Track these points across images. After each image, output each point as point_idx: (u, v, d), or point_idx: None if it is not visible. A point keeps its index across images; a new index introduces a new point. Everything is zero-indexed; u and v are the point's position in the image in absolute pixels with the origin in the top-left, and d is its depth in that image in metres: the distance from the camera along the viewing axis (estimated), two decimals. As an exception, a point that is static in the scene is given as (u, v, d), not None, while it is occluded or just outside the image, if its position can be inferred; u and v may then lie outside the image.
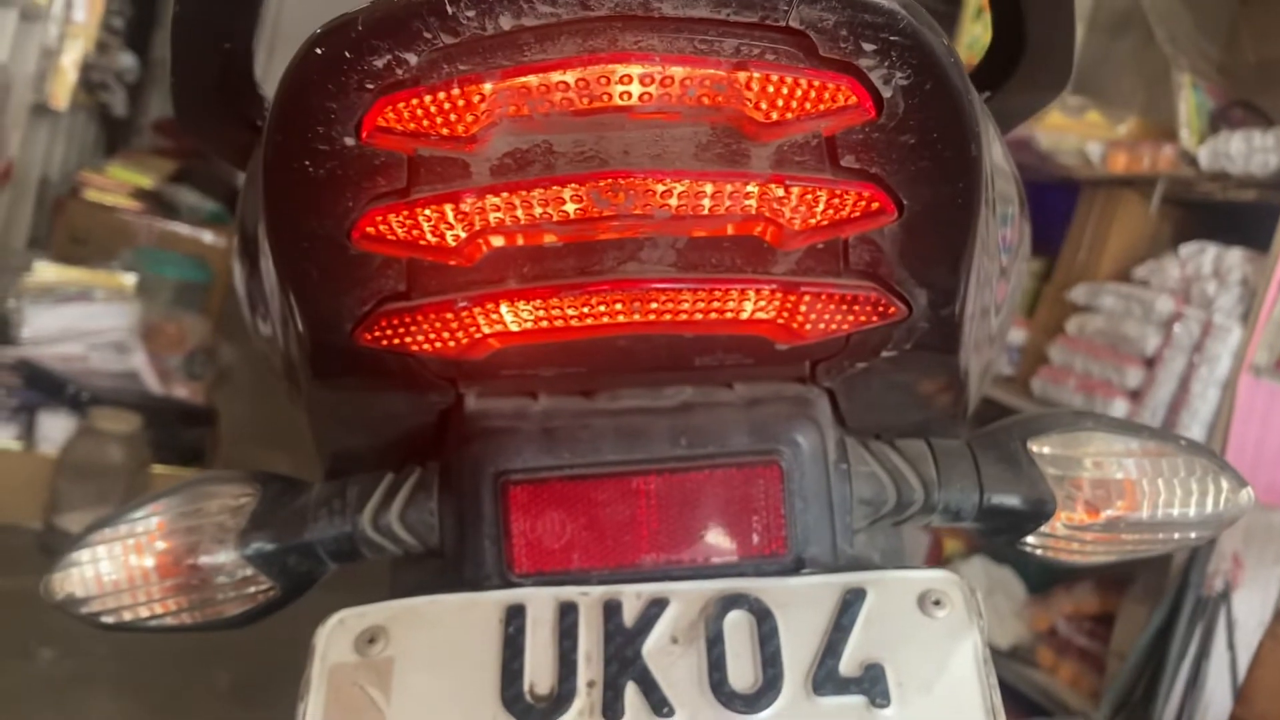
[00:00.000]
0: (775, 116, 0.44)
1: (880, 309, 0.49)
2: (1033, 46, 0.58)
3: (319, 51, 0.41)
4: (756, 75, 0.43)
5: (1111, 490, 0.57)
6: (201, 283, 3.89)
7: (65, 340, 2.74)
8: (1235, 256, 1.96)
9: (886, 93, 0.43)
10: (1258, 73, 2.28)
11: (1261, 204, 1.95)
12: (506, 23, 0.41)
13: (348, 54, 0.41)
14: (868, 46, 0.42)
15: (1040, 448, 0.58)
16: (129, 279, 3.08)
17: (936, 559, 2.53)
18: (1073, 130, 2.28)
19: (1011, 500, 0.56)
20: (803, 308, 0.48)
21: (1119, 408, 2.03)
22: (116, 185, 3.90)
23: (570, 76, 0.42)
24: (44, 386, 2.57)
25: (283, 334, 0.55)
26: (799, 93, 0.43)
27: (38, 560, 2.27)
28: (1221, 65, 2.26)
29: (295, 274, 0.47)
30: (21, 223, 3.44)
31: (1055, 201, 2.38)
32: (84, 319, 2.82)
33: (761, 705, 0.48)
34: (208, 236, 3.95)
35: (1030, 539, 0.58)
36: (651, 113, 0.44)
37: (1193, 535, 0.58)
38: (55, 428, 2.52)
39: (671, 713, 0.48)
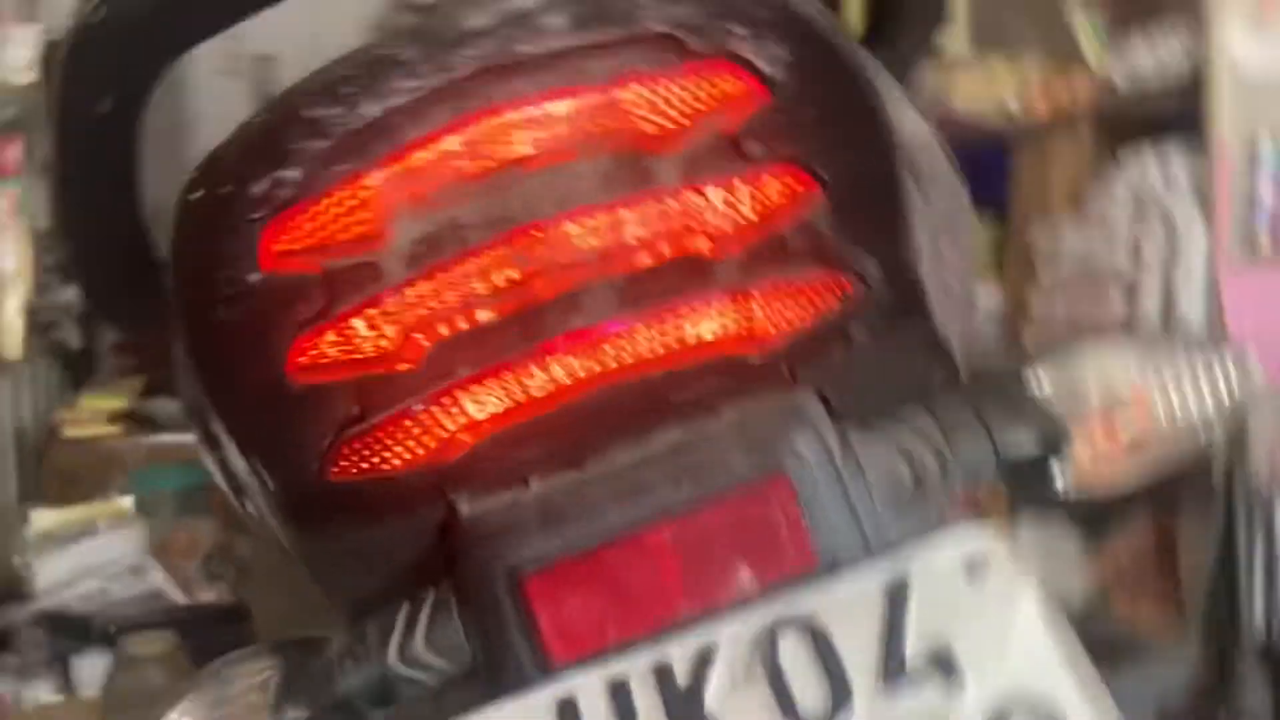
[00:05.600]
0: (669, 126, 0.43)
1: (835, 290, 0.48)
2: None
3: (195, 197, 0.41)
4: (635, 89, 0.42)
5: (1123, 409, 0.56)
6: (200, 485, 3.87)
7: (80, 580, 2.71)
8: (1177, 160, 1.97)
9: (772, 72, 0.42)
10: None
11: (1186, 110, 1.97)
12: (373, 110, 0.40)
13: (223, 190, 0.40)
14: (738, 30, 0.41)
15: (1041, 386, 0.56)
16: (127, 503, 3.06)
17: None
18: (984, 89, 2.32)
19: (1026, 444, 0.55)
20: (758, 311, 0.47)
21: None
22: (92, 416, 3.90)
23: (454, 143, 0.42)
24: (70, 632, 2.54)
25: (262, 500, 0.54)
26: (684, 95, 0.42)
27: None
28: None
29: (246, 431, 0.46)
30: (7, 479, 3.42)
31: (991, 161, 2.40)
32: (93, 555, 2.80)
33: (842, 714, 0.46)
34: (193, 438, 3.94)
35: (1061, 481, 0.56)
36: (545, 157, 0.43)
37: (1217, 428, 0.57)
38: (91, 669, 2.48)
39: (752, 757, 0.46)
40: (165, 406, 4.20)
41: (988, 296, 2.32)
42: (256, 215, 0.41)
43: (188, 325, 0.43)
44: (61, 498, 3.41)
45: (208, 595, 2.87)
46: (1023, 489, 0.57)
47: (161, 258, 0.55)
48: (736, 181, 0.44)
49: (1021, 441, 0.55)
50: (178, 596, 2.81)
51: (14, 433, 3.61)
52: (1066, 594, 2.33)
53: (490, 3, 0.40)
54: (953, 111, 2.29)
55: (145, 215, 0.52)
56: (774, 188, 0.45)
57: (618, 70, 0.42)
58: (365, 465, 0.47)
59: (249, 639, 2.74)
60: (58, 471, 3.71)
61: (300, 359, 0.44)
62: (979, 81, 2.29)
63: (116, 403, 4.07)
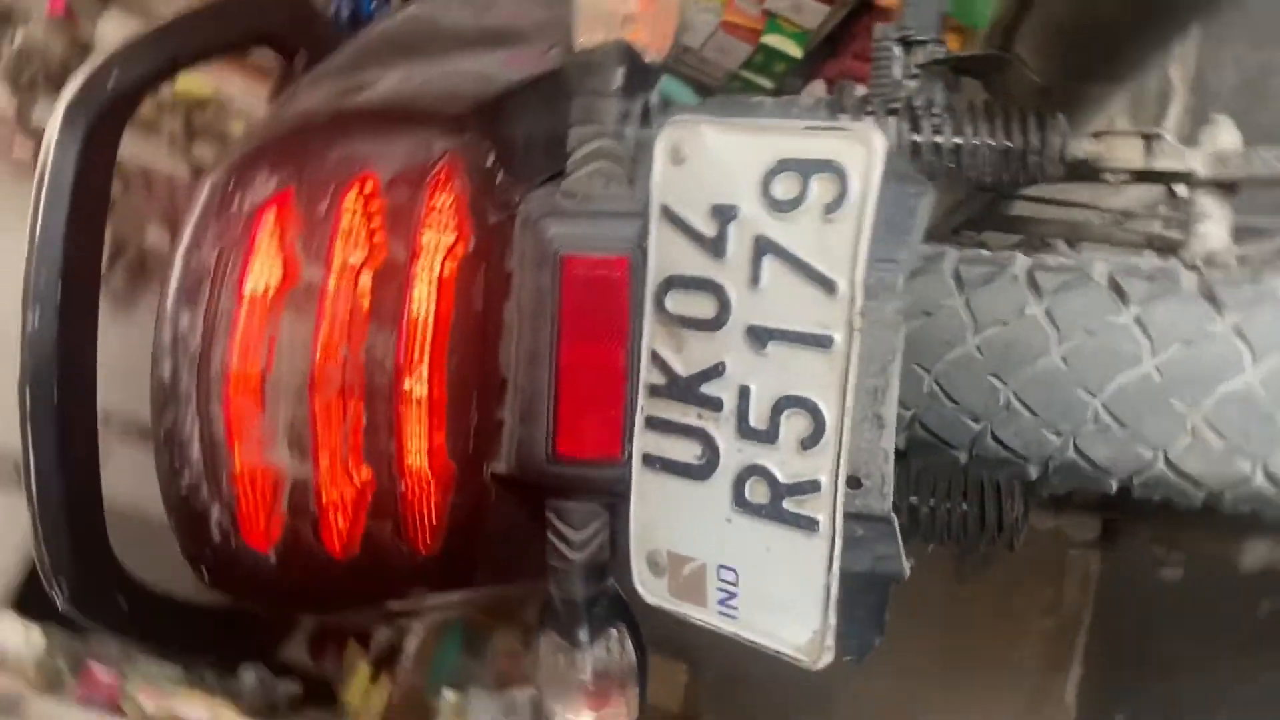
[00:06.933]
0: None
1: (451, 169, 0.67)
2: None
3: (201, 572, 0.62)
4: None
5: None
6: (462, 629, 4.17)
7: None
8: None
9: None
10: None
11: None
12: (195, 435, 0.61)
13: (208, 566, 0.62)
14: None
15: (581, 34, 0.73)
16: (451, 696, 3.39)
17: None
18: None
19: (617, 74, 0.71)
20: (433, 240, 0.66)
21: None
22: (366, 700, 4.19)
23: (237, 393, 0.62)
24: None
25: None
26: None
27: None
28: None
29: (379, 597, 0.69)
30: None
31: None
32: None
33: (725, 295, 0.65)
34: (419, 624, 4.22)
35: (652, 56, 0.73)
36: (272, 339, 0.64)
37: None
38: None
39: (721, 363, 0.65)
40: (383, 635, 4.51)
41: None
42: (232, 542, 0.62)
43: (288, 611, 0.65)
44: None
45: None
46: (648, 87, 0.74)
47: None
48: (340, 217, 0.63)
49: (615, 76, 0.71)
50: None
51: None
52: None
53: None
54: None
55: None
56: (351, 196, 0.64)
57: None
58: (430, 533, 0.68)
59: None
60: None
61: (338, 548, 0.65)
62: None
63: (363, 673, 4.37)
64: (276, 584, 0.63)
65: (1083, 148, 1.08)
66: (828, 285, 0.62)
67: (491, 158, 0.70)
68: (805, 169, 0.63)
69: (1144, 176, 1.09)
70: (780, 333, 0.64)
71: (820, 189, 0.62)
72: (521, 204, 0.72)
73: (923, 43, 1.10)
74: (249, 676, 4.41)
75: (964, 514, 1.12)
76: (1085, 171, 1.11)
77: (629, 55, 0.71)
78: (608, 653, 0.76)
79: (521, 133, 0.73)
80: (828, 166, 0.62)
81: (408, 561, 0.68)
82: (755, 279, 0.65)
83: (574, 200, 0.71)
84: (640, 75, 0.72)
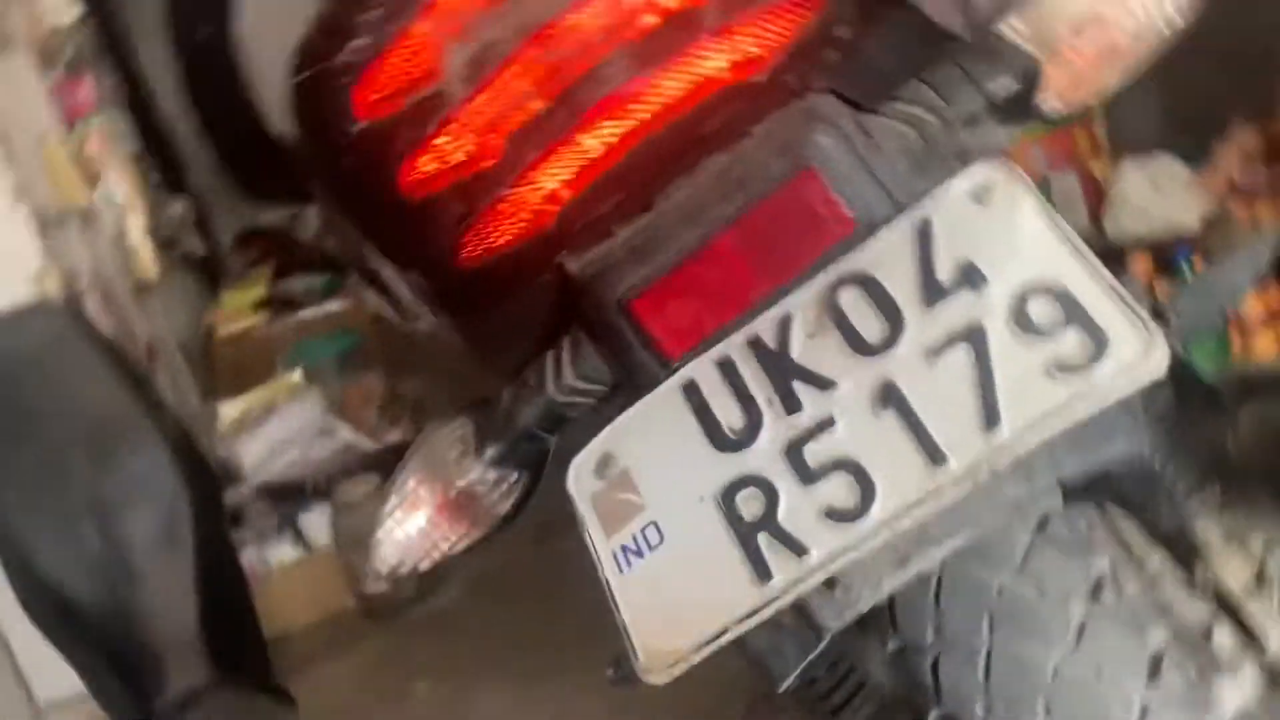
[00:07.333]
0: None
1: (809, 3, 0.57)
2: None
3: (297, 81, 0.53)
4: None
5: (1088, 27, 0.64)
6: (354, 345, 4.14)
7: (280, 453, 3.01)
8: None
9: None
10: None
11: None
12: None
13: (315, 69, 0.53)
14: None
15: (1013, 26, 0.65)
16: (296, 376, 3.33)
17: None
18: None
19: (1007, 83, 0.63)
20: (743, 39, 0.57)
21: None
22: (238, 310, 4.17)
23: None
24: (289, 497, 2.85)
25: (425, 303, 0.68)
26: None
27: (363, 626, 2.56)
28: None
29: (394, 249, 0.60)
30: (187, 386, 3.73)
31: None
32: (283, 428, 3.09)
33: (897, 337, 0.58)
34: (335, 305, 4.19)
35: (1050, 102, 0.65)
36: None
37: (1180, 18, 0.64)
38: (318, 523, 2.80)
39: (833, 383, 0.59)
40: (298, 284, 4.46)
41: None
42: (343, 82, 0.53)
43: (325, 184, 0.56)
44: (237, 388, 3.71)
45: (393, 436, 3.13)
46: (1016, 119, 0.66)
47: (283, 139, 0.68)
48: None
49: (1003, 83, 0.63)
50: (367, 444, 3.09)
51: (180, 345, 3.90)
52: (1187, 217, 2.35)
53: None
54: None
55: (259, 107, 0.64)
56: None
57: None
58: (485, 248, 0.60)
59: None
60: (226, 367, 4.01)
61: (410, 180, 0.57)
62: None
63: (255, 293, 4.32)
64: (336, 150, 0.55)
65: (1202, 533, 1.01)
66: (991, 422, 0.55)
67: (843, 34, 0.62)
68: (1074, 314, 0.55)
69: (1220, 600, 1.02)
70: (911, 415, 0.56)
71: (1071, 344, 0.55)
72: (817, 94, 0.64)
73: (1167, 325, 1.02)
74: (177, 207, 4.37)
75: (813, 679, 1.06)
76: (1180, 546, 1.04)
77: (1029, 78, 0.63)
78: (493, 486, 0.69)
79: (881, 44, 0.65)
80: (1097, 333, 0.54)
81: (439, 254, 0.60)
82: (937, 354, 0.57)
83: (861, 137, 0.63)
84: (1021, 104, 0.64)
